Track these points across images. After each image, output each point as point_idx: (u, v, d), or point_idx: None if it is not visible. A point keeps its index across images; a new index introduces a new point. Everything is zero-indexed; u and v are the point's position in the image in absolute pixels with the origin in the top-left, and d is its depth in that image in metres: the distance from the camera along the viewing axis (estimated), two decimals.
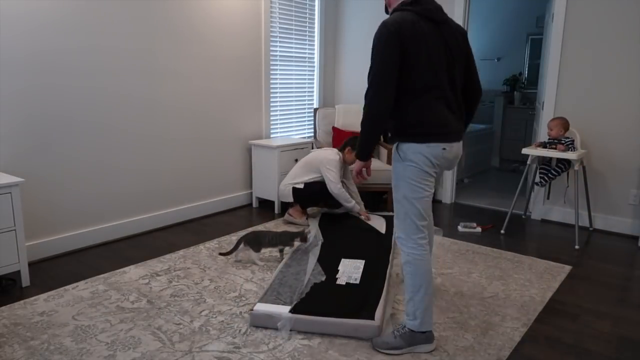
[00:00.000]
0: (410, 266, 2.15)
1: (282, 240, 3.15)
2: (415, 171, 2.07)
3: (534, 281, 2.99)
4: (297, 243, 3.19)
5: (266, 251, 3.24)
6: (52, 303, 2.59)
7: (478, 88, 2.27)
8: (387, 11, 2.21)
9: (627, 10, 3.74)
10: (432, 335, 2.20)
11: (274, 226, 3.97)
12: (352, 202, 3.87)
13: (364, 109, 2.07)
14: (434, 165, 2.09)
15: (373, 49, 2.02)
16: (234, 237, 3.66)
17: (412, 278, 2.15)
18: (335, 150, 4.02)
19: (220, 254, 3.27)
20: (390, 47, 1.96)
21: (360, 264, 2.95)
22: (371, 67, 2.02)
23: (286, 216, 4.06)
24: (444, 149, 2.07)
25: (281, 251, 3.21)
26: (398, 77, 1.99)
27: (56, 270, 3.05)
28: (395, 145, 2.15)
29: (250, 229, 3.84)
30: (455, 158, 2.15)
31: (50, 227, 3.25)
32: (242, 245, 3.12)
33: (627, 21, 3.75)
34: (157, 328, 2.35)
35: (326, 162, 3.87)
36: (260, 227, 3.92)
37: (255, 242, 3.11)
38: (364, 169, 2.25)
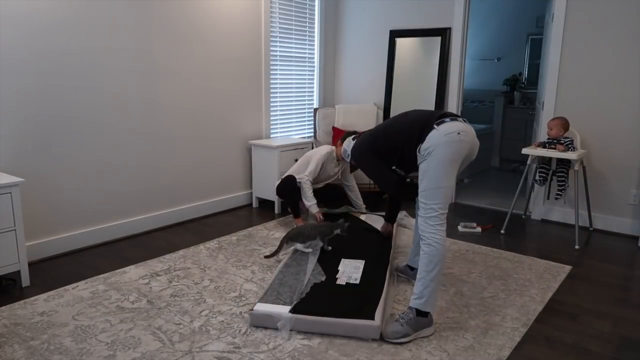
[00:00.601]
0: (428, 248, 2.30)
1: (322, 231, 3.18)
2: (442, 153, 2.27)
3: (534, 281, 2.99)
4: (337, 232, 3.20)
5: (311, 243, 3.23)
6: (52, 303, 2.59)
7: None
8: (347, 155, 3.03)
9: (627, 10, 3.74)
10: (432, 318, 2.36)
11: (274, 226, 3.97)
12: (313, 202, 3.73)
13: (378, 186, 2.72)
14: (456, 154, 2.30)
15: (361, 164, 2.67)
16: (234, 237, 3.67)
17: (429, 260, 2.29)
18: (331, 146, 3.97)
19: (266, 256, 3.23)
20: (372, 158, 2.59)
21: (360, 264, 2.95)
22: (371, 174, 2.65)
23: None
24: (459, 132, 2.26)
25: (323, 241, 3.18)
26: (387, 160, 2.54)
27: (56, 270, 3.05)
28: (417, 150, 2.35)
29: (250, 229, 3.84)
30: (475, 145, 2.36)
31: (50, 227, 3.25)
32: (285, 244, 3.15)
33: (627, 21, 3.75)
34: (157, 328, 2.35)
35: (314, 155, 3.86)
36: (260, 227, 3.93)
37: (298, 236, 3.16)
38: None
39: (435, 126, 2.28)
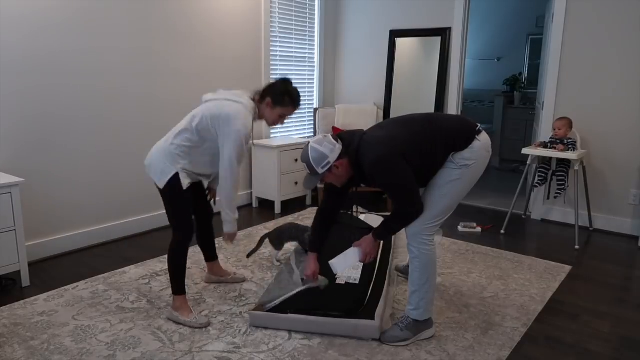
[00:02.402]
0: (418, 261, 2.21)
1: (303, 233, 3.10)
2: (469, 173, 2.15)
3: (534, 281, 2.99)
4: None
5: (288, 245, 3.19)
6: (52, 303, 2.59)
7: None
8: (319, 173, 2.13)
9: (627, 10, 3.74)
10: (432, 320, 2.34)
11: (274, 226, 3.97)
12: (235, 214, 2.43)
13: (402, 212, 2.14)
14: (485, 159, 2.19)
15: (389, 178, 2.06)
16: None
17: (419, 272, 2.22)
18: (244, 100, 2.37)
19: (247, 255, 3.21)
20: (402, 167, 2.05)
21: (359, 264, 2.95)
22: (401, 189, 2.09)
23: (171, 314, 2.46)
24: (487, 151, 2.19)
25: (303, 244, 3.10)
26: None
27: (56, 270, 3.05)
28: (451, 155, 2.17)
29: (250, 229, 3.84)
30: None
31: (50, 227, 3.25)
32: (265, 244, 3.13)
33: (627, 21, 3.75)
34: (157, 328, 2.35)
35: (229, 122, 2.28)
36: (260, 227, 3.92)
37: (280, 237, 3.10)
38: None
39: (477, 136, 2.14)
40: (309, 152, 2.09)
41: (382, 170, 2.05)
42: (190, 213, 2.42)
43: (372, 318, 2.28)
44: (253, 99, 2.43)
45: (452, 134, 2.12)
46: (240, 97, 2.38)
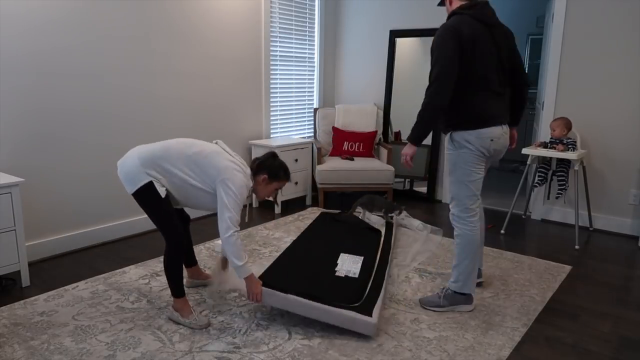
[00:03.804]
0: (460, 239, 2.51)
1: (389, 206, 3.69)
2: (468, 156, 2.40)
3: (534, 281, 2.99)
4: (398, 212, 3.71)
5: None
6: (52, 303, 2.59)
7: (524, 81, 2.61)
8: (442, 4, 2.52)
9: (627, 10, 3.74)
10: (472, 298, 2.57)
11: (274, 226, 3.97)
12: (244, 260, 2.31)
13: (425, 100, 2.33)
14: (484, 151, 2.40)
15: (435, 49, 2.30)
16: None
17: (460, 249, 2.51)
18: (243, 169, 2.38)
19: (343, 213, 3.70)
20: (451, 47, 2.27)
21: (359, 259, 2.95)
22: (435, 64, 2.30)
23: (172, 313, 2.45)
24: (492, 140, 2.38)
25: (388, 216, 3.69)
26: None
27: (56, 270, 3.05)
28: (448, 135, 2.47)
29: (250, 229, 3.84)
30: (503, 148, 2.47)
31: (50, 227, 3.25)
32: (358, 208, 3.70)
33: (627, 21, 3.75)
34: (157, 328, 2.35)
35: (229, 178, 2.29)
36: (260, 227, 3.93)
37: (369, 203, 3.70)
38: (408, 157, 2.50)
39: (492, 126, 2.41)
40: None
41: (437, 36, 2.32)
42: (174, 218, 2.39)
43: (371, 315, 2.28)
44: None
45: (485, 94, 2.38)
46: (245, 167, 2.41)
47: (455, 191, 2.47)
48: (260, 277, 2.42)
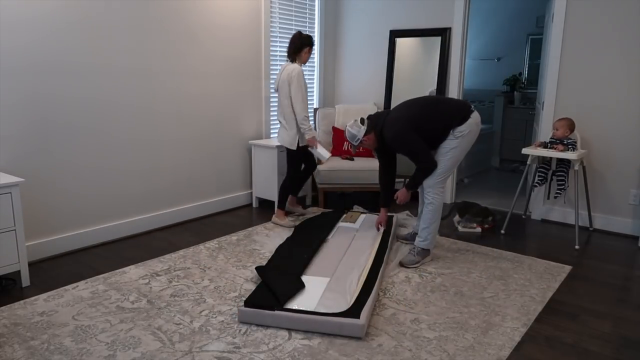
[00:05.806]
0: (432, 206, 3.11)
1: (485, 213, 3.99)
2: (471, 138, 3.08)
3: (534, 281, 2.99)
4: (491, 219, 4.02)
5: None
6: (52, 303, 2.59)
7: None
8: (357, 142, 3.19)
9: (627, 10, 3.74)
10: (431, 252, 3.24)
11: (274, 226, 3.97)
12: (305, 124, 3.70)
13: (422, 165, 3.06)
14: (476, 129, 3.10)
15: (404, 144, 3.04)
16: (234, 237, 3.66)
17: (432, 214, 3.12)
18: (296, 64, 3.78)
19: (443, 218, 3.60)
20: (414, 135, 3.02)
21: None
22: (412, 152, 3.05)
23: (273, 219, 4.04)
24: (477, 124, 3.11)
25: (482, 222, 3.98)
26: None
27: (56, 270, 3.05)
28: (451, 132, 3.08)
29: (250, 229, 3.84)
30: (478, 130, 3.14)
31: (50, 227, 3.25)
32: (455, 214, 4.08)
33: (627, 21, 3.75)
34: (157, 328, 2.35)
35: (291, 83, 3.71)
36: (260, 228, 3.92)
37: (467, 210, 4.03)
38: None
39: (470, 115, 3.03)
40: (346, 133, 3.18)
41: (399, 143, 3.05)
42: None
43: (358, 317, 2.28)
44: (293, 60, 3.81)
45: (453, 113, 3.03)
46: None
47: (450, 167, 3.07)
48: (247, 301, 2.43)
